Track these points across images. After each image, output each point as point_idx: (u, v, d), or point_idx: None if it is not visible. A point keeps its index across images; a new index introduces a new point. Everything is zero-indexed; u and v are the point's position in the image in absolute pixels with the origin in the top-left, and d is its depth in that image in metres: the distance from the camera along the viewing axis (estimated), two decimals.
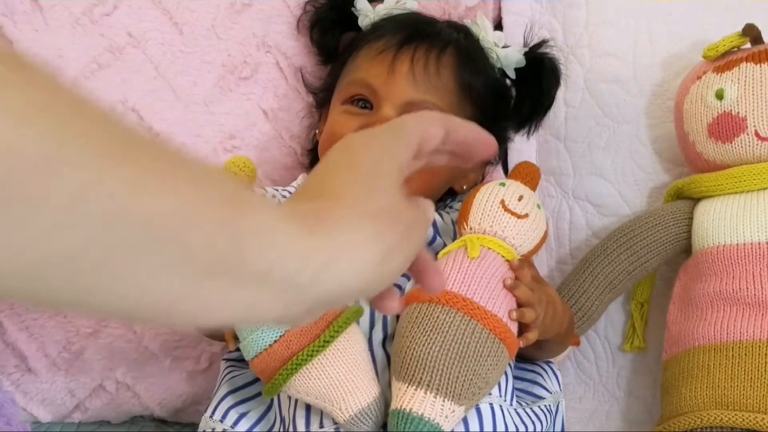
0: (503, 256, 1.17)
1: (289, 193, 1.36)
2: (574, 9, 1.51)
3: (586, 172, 1.51)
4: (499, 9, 1.55)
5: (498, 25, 1.52)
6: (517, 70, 1.38)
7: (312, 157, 1.43)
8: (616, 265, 1.37)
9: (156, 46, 1.43)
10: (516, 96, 1.41)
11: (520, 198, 1.21)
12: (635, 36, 1.48)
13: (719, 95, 1.34)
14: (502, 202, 1.20)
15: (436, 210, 1.34)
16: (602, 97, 1.49)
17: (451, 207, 1.37)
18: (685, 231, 1.36)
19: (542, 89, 1.39)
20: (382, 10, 1.40)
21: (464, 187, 1.37)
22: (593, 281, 1.37)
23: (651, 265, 1.38)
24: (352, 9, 1.42)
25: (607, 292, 1.38)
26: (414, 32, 1.32)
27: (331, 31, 1.44)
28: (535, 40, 1.41)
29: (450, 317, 1.11)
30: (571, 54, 1.51)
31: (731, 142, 1.33)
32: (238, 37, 1.45)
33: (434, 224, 1.29)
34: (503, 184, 1.22)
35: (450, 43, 1.33)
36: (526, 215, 1.20)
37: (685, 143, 1.40)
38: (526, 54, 1.39)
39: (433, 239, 1.29)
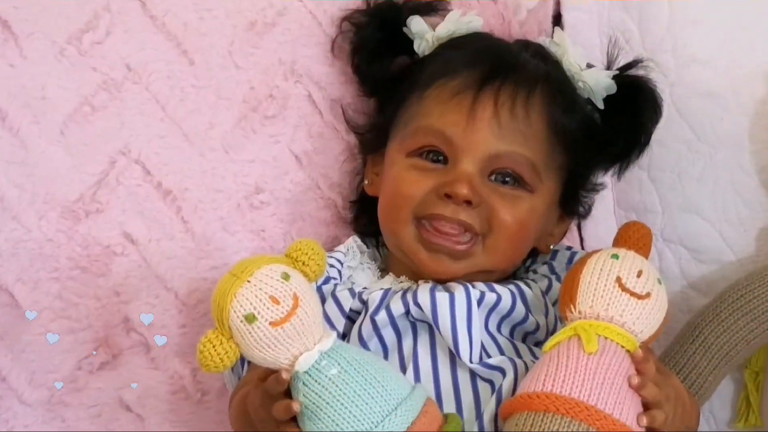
0: (623, 347, 1.10)
1: (337, 260, 1.25)
2: (653, 5, 1.41)
3: (678, 208, 1.43)
4: (558, 4, 1.47)
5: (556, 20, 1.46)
6: (606, 98, 1.28)
7: (357, 210, 1.34)
8: (732, 334, 1.29)
9: (161, 80, 1.33)
10: (606, 130, 1.30)
11: (639, 273, 1.13)
12: (731, 38, 1.38)
13: None
14: (618, 279, 1.12)
15: (521, 279, 1.26)
16: (693, 115, 1.40)
17: (535, 272, 1.29)
18: None
19: (638, 122, 1.29)
20: (443, 32, 1.28)
21: (550, 246, 1.30)
22: (705, 353, 1.30)
23: None
24: (404, 30, 1.30)
25: (722, 365, 1.30)
26: (495, 67, 1.22)
27: (380, 58, 1.33)
28: (622, 60, 1.29)
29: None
30: (650, 61, 1.37)
31: None
32: (260, 65, 1.36)
33: (524, 299, 1.20)
34: (616, 257, 1.13)
35: (539, 79, 1.23)
36: (648, 294, 1.12)
37: None
38: (615, 77, 1.28)
39: (525, 318, 1.20)
